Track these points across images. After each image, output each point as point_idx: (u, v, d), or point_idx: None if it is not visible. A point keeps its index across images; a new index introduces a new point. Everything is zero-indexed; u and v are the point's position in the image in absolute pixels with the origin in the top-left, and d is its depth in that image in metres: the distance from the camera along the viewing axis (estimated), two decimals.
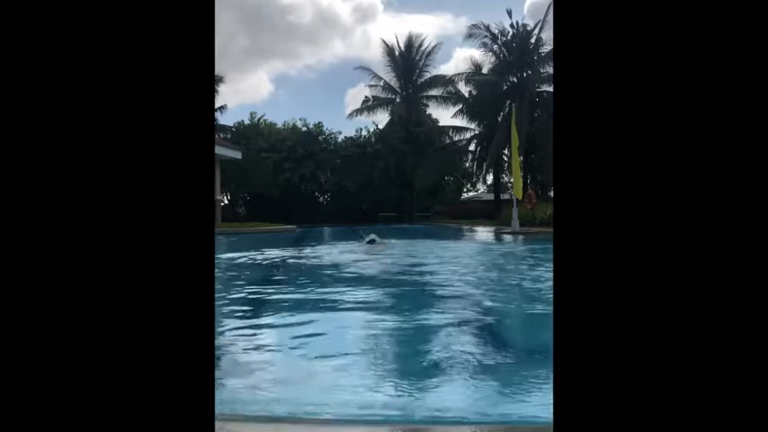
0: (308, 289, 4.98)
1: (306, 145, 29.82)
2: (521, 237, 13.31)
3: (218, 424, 1.32)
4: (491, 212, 24.05)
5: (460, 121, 28.52)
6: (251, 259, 7.98)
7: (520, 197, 16.08)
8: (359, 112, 31.04)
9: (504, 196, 26.65)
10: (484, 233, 16.46)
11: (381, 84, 30.92)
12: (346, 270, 6.54)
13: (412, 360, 2.53)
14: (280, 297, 4.60)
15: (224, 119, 28.96)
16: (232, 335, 3.05)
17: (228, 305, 3.97)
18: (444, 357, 2.47)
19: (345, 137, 31.74)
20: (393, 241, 11.53)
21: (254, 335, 3.15)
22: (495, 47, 25.23)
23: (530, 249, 9.34)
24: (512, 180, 19.29)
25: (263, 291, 5.01)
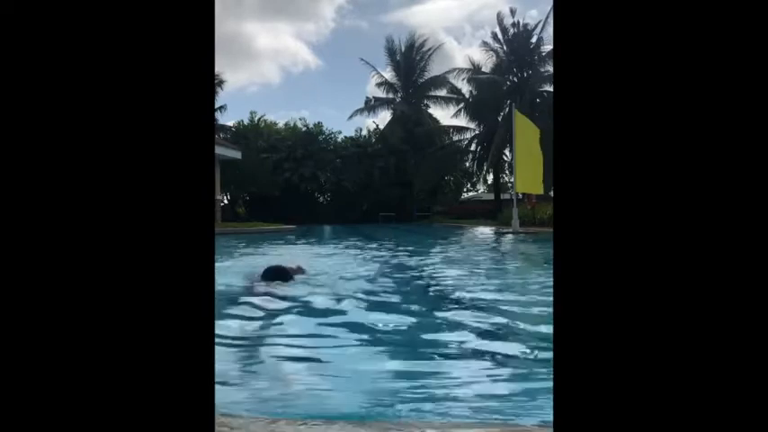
0: None
1: (305, 145, 29.82)
2: (521, 236, 13.31)
3: (217, 422, 1.32)
4: (491, 212, 24.08)
5: (461, 121, 28.57)
6: None
7: (542, 192, 15.71)
8: (360, 111, 31.04)
9: (505, 196, 26.68)
10: (484, 233, 16.43)
11: (383, 82, 30.91)
12: None
13: None
14: None
15: (224, 119, 29.02)
16: None
17: None
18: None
19: (345, 136, 31.74)
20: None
21: None
22: (497, 45, 25.27)
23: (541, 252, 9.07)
24: (512, 180, 19.18)
25: None
